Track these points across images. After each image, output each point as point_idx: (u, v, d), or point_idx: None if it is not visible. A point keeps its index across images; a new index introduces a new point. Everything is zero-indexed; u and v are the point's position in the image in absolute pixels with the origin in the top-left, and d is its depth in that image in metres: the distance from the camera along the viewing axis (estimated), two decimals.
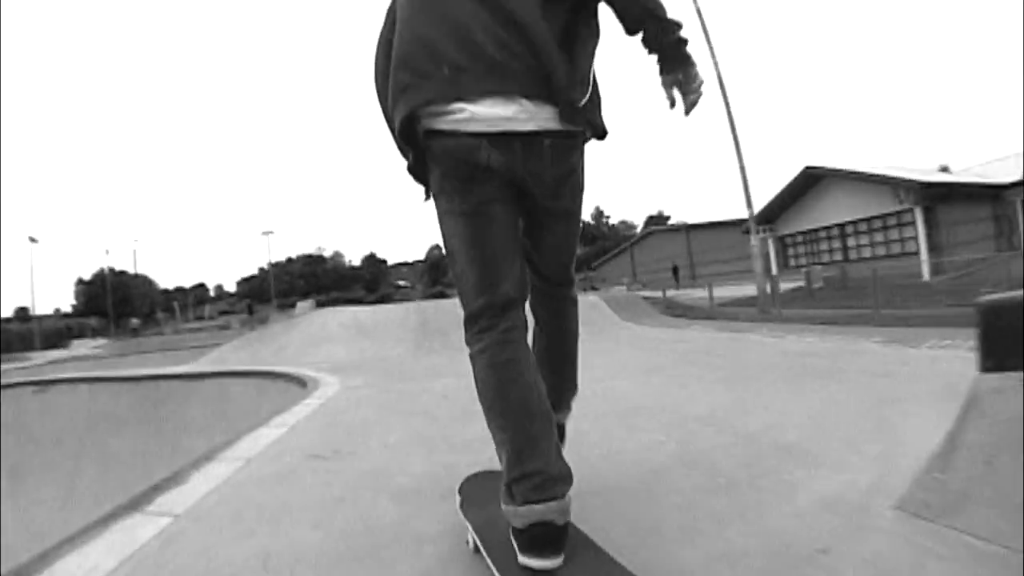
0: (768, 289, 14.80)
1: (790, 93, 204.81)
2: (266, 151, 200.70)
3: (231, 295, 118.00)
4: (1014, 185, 24.78)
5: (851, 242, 29.29)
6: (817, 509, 2.11)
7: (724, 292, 20.16)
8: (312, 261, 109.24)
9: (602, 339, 9.73)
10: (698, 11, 15.53)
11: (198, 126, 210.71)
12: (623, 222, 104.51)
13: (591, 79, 1.87)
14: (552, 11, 1.78)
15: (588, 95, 1.82)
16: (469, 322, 1.85)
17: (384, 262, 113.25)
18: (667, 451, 2.96)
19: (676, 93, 1.90)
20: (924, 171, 29.30)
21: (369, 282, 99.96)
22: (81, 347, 39.25)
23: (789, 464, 2.61)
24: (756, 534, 1.95)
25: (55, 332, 50.79)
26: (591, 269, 64.46)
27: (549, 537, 1.58)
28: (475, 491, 2.11)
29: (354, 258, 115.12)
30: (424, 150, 1.84)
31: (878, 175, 26.41)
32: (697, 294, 22.96)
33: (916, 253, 24.27)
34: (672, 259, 48.63)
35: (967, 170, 31.31)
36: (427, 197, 2.00)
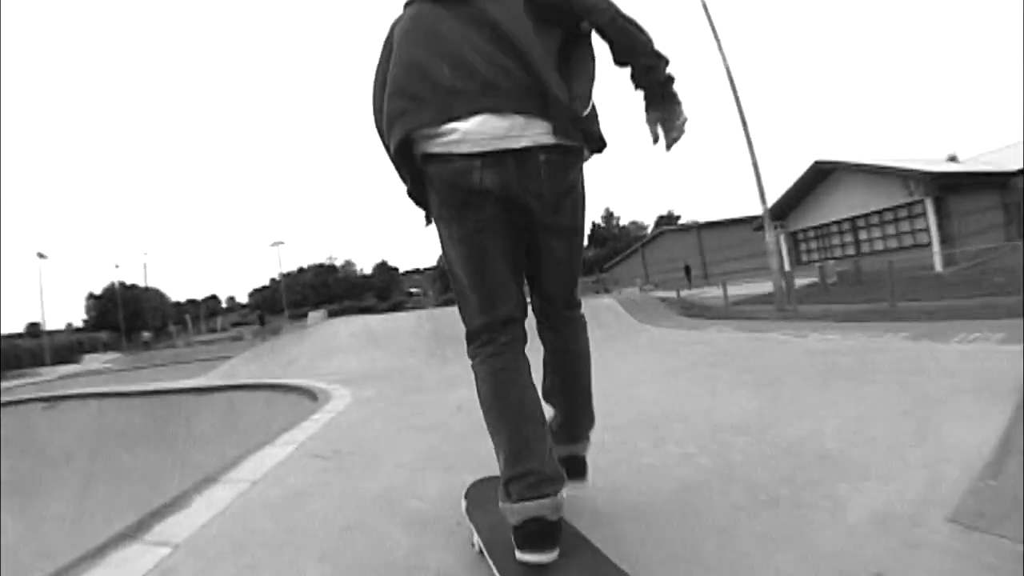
0: (784, 286, 14.51)
1: (794, 88, 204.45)
2: (276, 162, 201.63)
3: (243, 306, 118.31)
4: (1021, 172, 24.36)
5: (863, 235, 28.99)
6: (868, 526, 1.96)
7: (738, 290, 19.96)
8: (323, 271, 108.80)
9: (620, 343, 9.52)
10: (704, 5, 15.31)
11: (207, 138, 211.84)
12: (633, 223, 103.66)
13: (590, 95, 1.90)
14: (546, 34, 1.84)
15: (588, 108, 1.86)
16: (471, 338, 1.96)
17: (396, 270, 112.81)
18: (700, 465, 2.75)
19: (660, 130, 1.96)
20: (933, 161, 28.94)
21: (381, 290, 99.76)
22: (93, 362, 39.37)
23: (833, 476, 2.44)
24: (806, 559, 1.79)
25: (66, 347, 50.84)
26: (603, 271, 64.18)
27: (543, 533, 1.68)
28: (481, 495, 2.16)
29: (365, 267, 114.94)
30: (422, 175, 1.88)
31: (888, 167, 26.17)
32: (711, 293, 22.75)
33: (928, 245, 24.09)
34: (684, 259, 48.30)
35: (974, 158, 30.96)
36: (428, 222, 2.06)
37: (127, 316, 67.90)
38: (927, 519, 1.93)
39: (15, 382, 26.14)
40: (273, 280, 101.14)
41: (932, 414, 3.21)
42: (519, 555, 1.68)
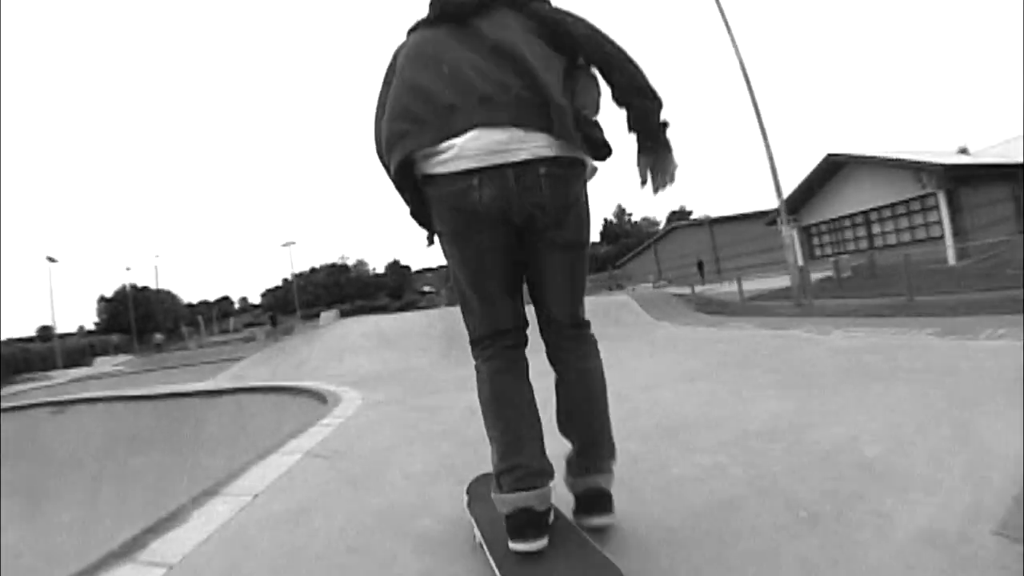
0: (800, 280, 14.31)
1: (801, 82, 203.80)
2: (287, 162, 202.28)
3: (256, 307, 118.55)
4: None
5: (876, 229, 28.77)
6: (917, 544, 1.80)
7: (752, 285, 19.78)
8: (336, 270, 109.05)
9: (636, 341, 9.29)
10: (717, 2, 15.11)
11: (217, 139, 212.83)
12: (645, 219, 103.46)
13: (597, 105, 1.96)
14: (552, 57, 1.86)
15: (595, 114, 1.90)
16: (474, 343, 2.08)
17: (408, 268, 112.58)
18: (733, 477, 2.55)
19: (648, 173, 1.99)
20: (943, 153, 28.75)
21: (393, 289, 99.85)
22: (104, 364, 39.34)
23: (876, 488, 2.26)
24: None
25: (78, 350, 50.91)
26: (616, 267, 64.04)
27: (531, 522, 1.78)
28: (481, 491, 2.23)
29: (378, 266, 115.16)
30: (423, 197, 1.91)
31: (899, 160, 25.91)
32: (724, 288, 22.57)
33: (940, 238, 23.90)
34: (696, 254, 48.25)
35: (985, 151, 30.68)
36: (430, 243, 2.12)
37: (139, 318, 68.20)
38: (975, 533, 1.82)
39: (25, 386, 26.12)
40: (285, 280, 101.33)
41: (970, 417, 3.04)
42: (511, 545, 1.78)
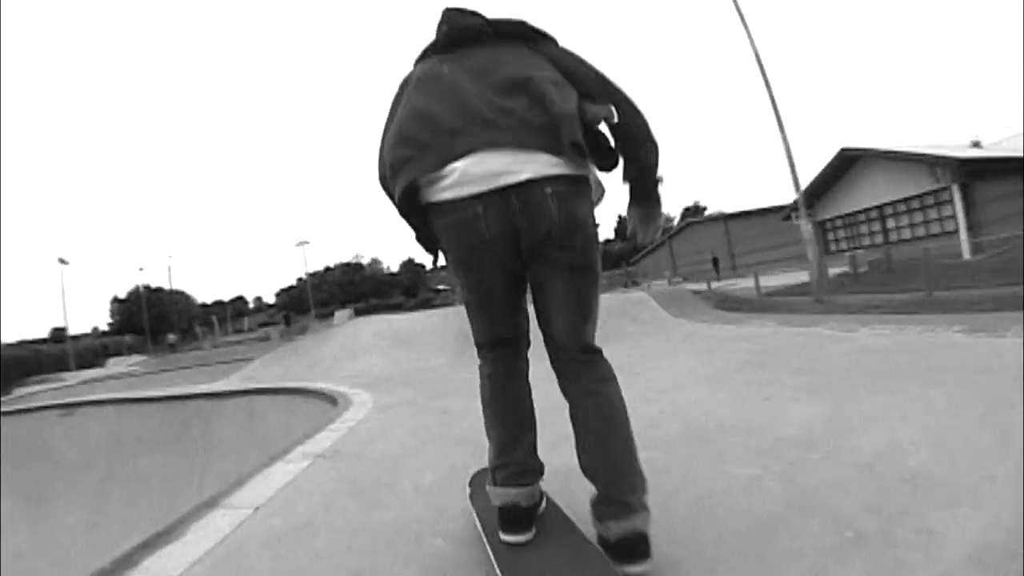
0: (820, 276, 14.06)
1: (811, 75, 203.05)
2: (300, 161, 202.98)
3: (271, 306, 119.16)
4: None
5: (891, 224, 28.47)
6: (968, 566, 1.67)
7: (768, 281, 19.53)
8: (350, 269, 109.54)
9: (655, 339, 9.09)
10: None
11: (231, 140, 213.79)
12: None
13: (611, 115, 1.87)
14: (562, 86, 1.84)
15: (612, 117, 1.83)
16: (479, 347, 2.14)
17: (422, 266, 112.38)
18: (769, 492, 2.36)
19: (638, 226, 2.08)
20: (957, 147, 28.39)
21: (408, 288, 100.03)
22: (117, 365, 39.50)
23: (922, 502, 2.09)
24: None
25: (91, 351, 51.13)
26: (630, 264, 63.82)
27: (519, 516, 1.92)
28: (482, 482, 2.30)
29: (392, 264, 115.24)
30: (428, 223, 1.89)
31: (913, 153, 25.66)
32: (740, 284, 22.34)
33: (955, 232, 23.65)
34: (711, 250, 47.91)
35: (997, 143, 30.30)
36: (434, 265, 2.20)
37: (153, 319, 68.54)
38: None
39: (34, 388, 26.21)
40: (300, 280, 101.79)
41: (1010, 421, 2.86)
42: (501, 536, 1.92)
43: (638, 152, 1.89)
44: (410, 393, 6.53)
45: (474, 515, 2.20)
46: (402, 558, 2.10)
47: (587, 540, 1.85)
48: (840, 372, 4.74)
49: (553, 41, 2.02)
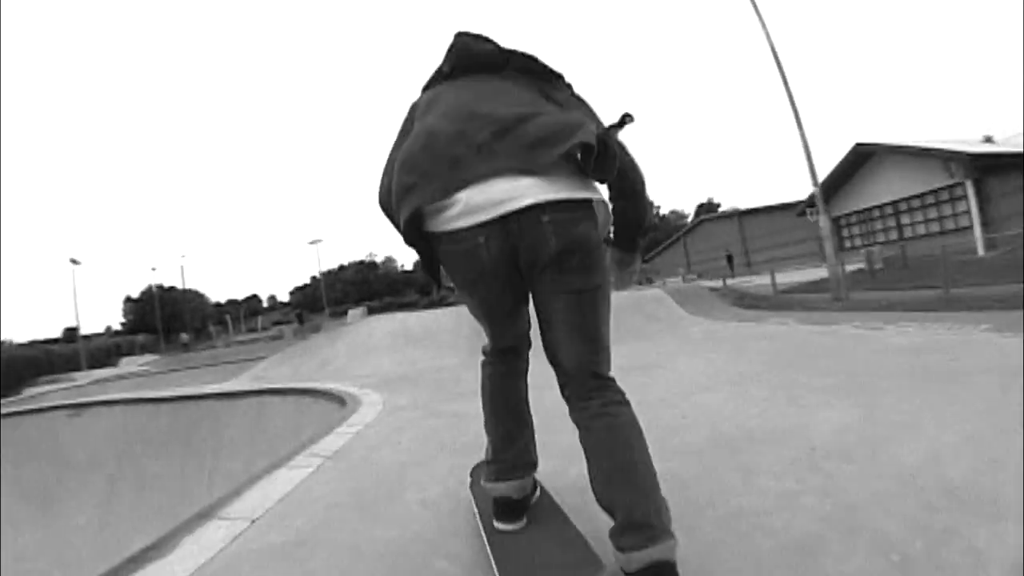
0: (839, 273, 13.81)
1: (823, 70, 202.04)
2: (313, 160, 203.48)
3: (284, 305, 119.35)
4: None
5: (905, 220, 28.29)
6: None
7: (783, 278, 19.28)
8: (364, 267, 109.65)
9: (673, 338, 8.88)
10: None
11: (244, 139, 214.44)
12: (674, 212, 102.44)
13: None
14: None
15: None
16: (484, 352, 2.28)
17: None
18: (806, 507, 2.17)
19: (615, 268, 2.15)
20: (970, 142, 28.17)
21: (422, 286, 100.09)
22: (130, 364, 39.51)
23: (967, 518, 1.95)
24: None
25: (103, 351, 51.23)
26: (645, 262, 63.63)
27: (510, 507, 2.08)
28: (480, 474, 2.39)
29: (406, 262, 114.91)
30: (433, 251, 1.88)
31: (927, 148, 25.50)
32: (756, 281, 22.11)
33: (969, 228, 23.54)
34: (725, 247, 47.73)
35: (1009, 139, 30.01)
36: (438, 289, 2.35)
37: (166, 318, 68.86)
38: None
39: (45, 388, 26.26)
40: (314, 278, 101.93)
41: None
42: (495, 523, 2.08)
43: (628, 204, 1.96)
44: (422, 394, 6.37)
45: (472, 503, 2.42)
46: None
47: (573, 527, 2.03)
48: (868, 373, 4.55)
49: (565, 83, 2.04)
